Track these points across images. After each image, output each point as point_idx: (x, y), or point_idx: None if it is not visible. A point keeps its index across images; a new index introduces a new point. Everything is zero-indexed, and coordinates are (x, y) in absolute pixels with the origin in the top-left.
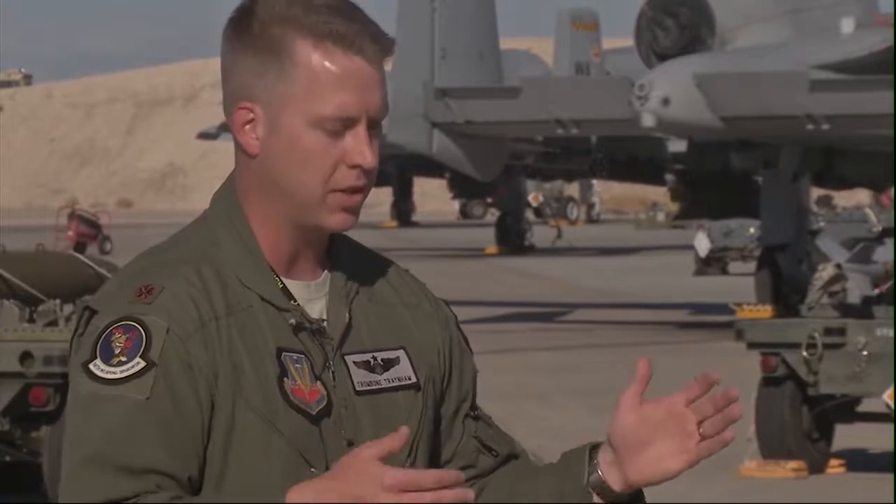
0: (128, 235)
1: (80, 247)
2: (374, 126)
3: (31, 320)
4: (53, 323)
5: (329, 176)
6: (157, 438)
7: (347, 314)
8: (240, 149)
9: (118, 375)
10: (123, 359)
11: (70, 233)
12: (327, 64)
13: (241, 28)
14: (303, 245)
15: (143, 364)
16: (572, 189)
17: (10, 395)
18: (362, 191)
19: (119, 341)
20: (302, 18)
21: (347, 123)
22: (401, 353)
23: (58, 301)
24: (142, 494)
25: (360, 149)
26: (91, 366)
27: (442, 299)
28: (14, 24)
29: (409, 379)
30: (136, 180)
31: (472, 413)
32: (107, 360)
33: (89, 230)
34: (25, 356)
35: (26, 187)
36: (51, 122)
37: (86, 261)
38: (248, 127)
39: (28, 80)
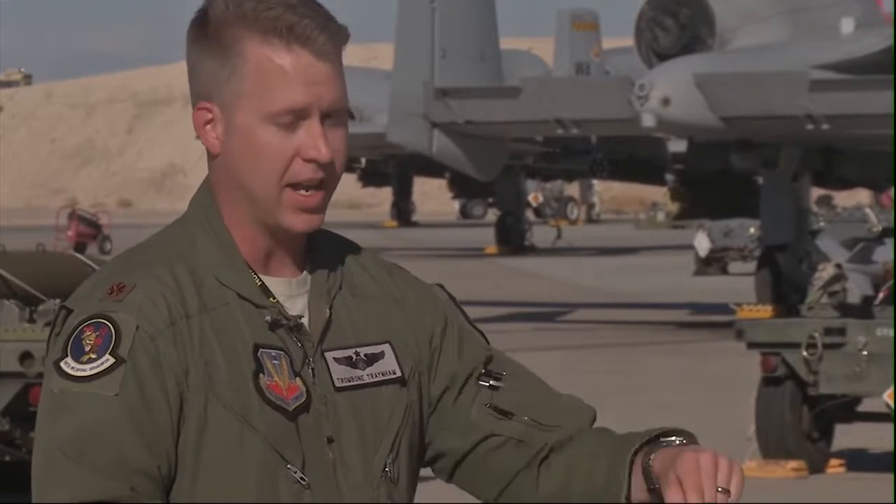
0: (128, 235)
1: (80, 247)
2: (331, 117)
3: (31, 320)
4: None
5: (284, 171)
6: (128, 433)
7: (328, 310)
8: (206, 150)
9: (88, 373)
10: (93, 356)
11: (70, 233)
12: (274, 59)
13: (199, 30)
14: (278, 243)
15: (112, 361)
16: (572, 189)
17: (10, 395)
18: (322, 187)
19: (89, 339)
20: (251, 15)
21: (299, 116)
22: (385, 347)
23: (58, 301)
24: (116, 500)
25: (313, 142)
26: (62, 364)
27: (437, 284)
28: (14, 24)
29: (394, 373)
30: (136, 180)
31: (486, 383)
32: (77, 358)
33: (89, 230)
34: (25, 356)
35: (26, 187)
36: (51, 122)
37: (86, 261)
38: (208, 127)
39: (28, 80)
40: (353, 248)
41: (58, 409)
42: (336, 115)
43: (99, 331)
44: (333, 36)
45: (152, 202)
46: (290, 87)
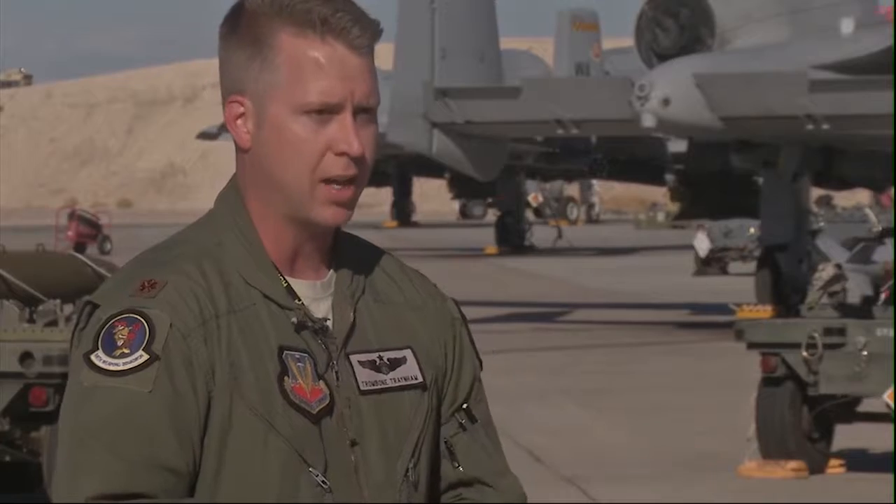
0: (128, 235)
1: (80, 247)
2: (363, 114)
3: (31, 320)
4: (53, 323)
5: (316, 164)
6: (160, 430)
7: (352, 314)
8: (235, 145)
9: (121, 367)
10: (126, 351)
11: (70, 233)
12: (308, 51)
13: (232, 24)
14: (305, 242)
15: (146, 357)
16: (572, 189)
17: (10, 395)
18: (353, 182)
19: (122, 334)
20: (284, 8)
21: (332, 110)
22: (407, 353)
23: (58, 301)
24: (141, 496)
25: (345, 136)
26: (93, 357)
27: (452, 298)
28: (14, 24)
29: (416, 379)
30: (136, 180)
31: (461, 419)
32: (109, 352)
33: (89, 230)
34: (25, 356)
35: (26, 187)
36: (51, 122)
37: (86, 261)
38: (239, 121)
39: (28, 80)
40: (377, 253)
41: (87, 401)
42: (367, 111)
43: (132, 326)
44: (366, 29)
45: (152, 202)
46: (325, 79)
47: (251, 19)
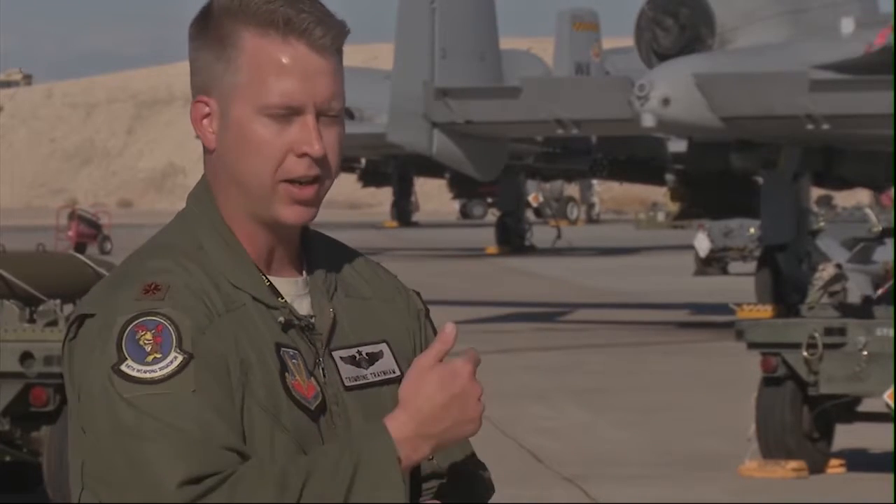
0: (128, 235)
1: (80, 247)
2: (327, 115)
3: (31, 320)
4: (53, 323)
5: (278, 165)
6: (214, 424)
7: (331, 310)
8: (202, 145)
9: (158, 374)
10: (158, 356)
11: (70, 233)
12: (270, 51)
13: (199, 25)
14: (277, 241)
15: (181, 358)
16: (572, 189)
17: (10, 395)
18: (315, 182)
19: (146, 338)
20: (250, 9)
21: (294, 111)
22: (384, 347)
23: (58, 301)
24: (225, 471)
25: (307, 137)
26: (124, 367)
27: (415, 290)
28: (14, 24)
29: (394, 372)
30: (136, 180)
31: None
32: (140, 360)
33: (89, 230)
34: (25, 356)
35: (26, 187)
36: (51, 122)
37: (86, 261)
38: (205, 121)
39: (28, 80)
40: (344, 249)
41: (135, 412)
42: (331, 112)
43: (154, 328)
44: (330, 30)
45: (152, 202)
46: (286, 79)
47: (217, 20)
